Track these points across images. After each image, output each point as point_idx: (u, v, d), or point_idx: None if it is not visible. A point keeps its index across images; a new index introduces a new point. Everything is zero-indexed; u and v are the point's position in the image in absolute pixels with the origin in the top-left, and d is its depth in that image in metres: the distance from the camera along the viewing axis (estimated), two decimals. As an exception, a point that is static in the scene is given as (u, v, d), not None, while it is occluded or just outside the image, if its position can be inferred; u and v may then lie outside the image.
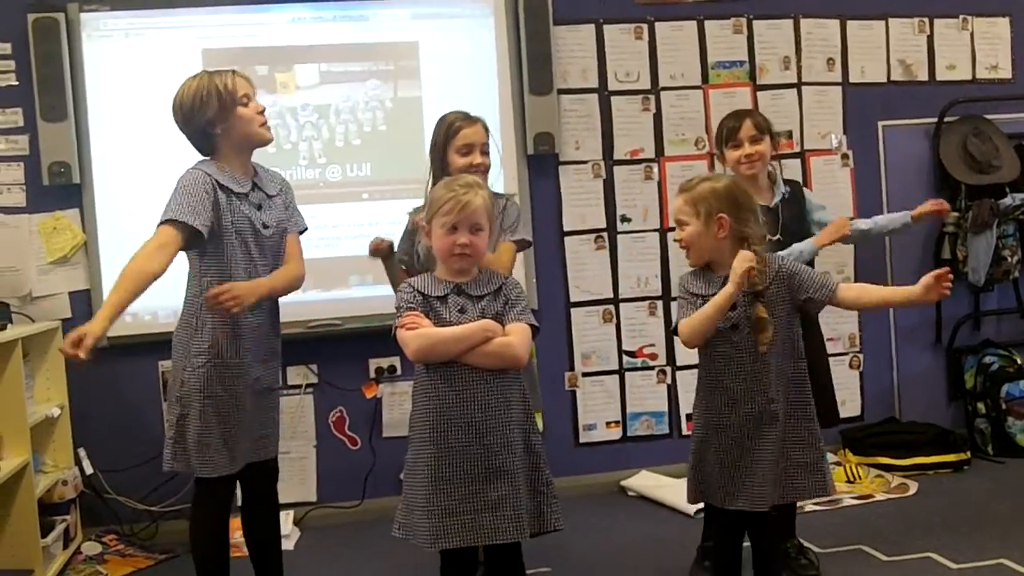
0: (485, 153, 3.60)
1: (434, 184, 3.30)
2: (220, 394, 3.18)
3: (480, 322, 2.77)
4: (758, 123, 3.80)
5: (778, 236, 3.64)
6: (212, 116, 3.21)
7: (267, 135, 3.34)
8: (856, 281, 5.42)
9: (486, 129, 3.64)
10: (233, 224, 3.21)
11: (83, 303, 4.71)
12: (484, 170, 3.58)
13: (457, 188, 2.81)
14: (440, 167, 3.57)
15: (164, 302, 4.70)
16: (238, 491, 3.47)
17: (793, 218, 3.82)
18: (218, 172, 3.22)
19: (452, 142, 3.56)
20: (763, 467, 2.95)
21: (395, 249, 3.62)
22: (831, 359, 5.26)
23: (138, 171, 4.70)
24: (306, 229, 3.54)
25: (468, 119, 3.61)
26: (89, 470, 4.59)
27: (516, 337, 2.78)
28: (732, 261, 2.90)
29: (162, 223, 3.15)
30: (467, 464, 2.73)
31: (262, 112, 3.32)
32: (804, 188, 4.04)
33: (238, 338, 3.22)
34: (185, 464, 3.22)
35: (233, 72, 3.29)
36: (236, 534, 4.58)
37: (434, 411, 2.74)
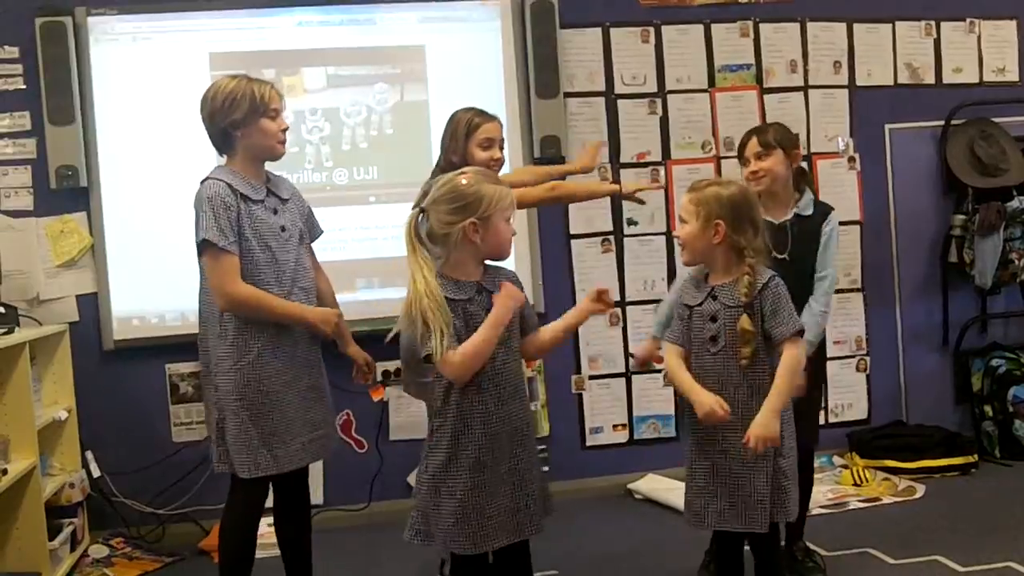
0: (502, 148, 3.69)
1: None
2: (254, 396, 3.19)
3: (503, 302, 2.74)
4: (764, 139, 3.67)
5: (785, 255, 3.53)
6: (238, 119, 3.24)
7: (281, 151, 3.37)
8: (863, 286, 5.42)
9: (501, 126, 3.74)
10: (254, 230, 3.23)
11: (90, 306, 4.72)
12: (500, 165, 3.67)
13: (496, 180, 2.81)
14: (460, 160, 3.59)
15: (171, 305, 4.74)
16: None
17: (804, 241, 3.62)
18: (235, 179, 3.25)
19: (474, 136, 3.62)
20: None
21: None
22: (839, 362, 5.33)
23: (145, 174, 4.72)
24: (322, 232, 3.59)
25: (485, 115, 3.68)
26: (96, 473, 4.60)
27: None
28: (724, 267, 2.92)
29: (201, 243, 3.19)
30: (498, 466, 2.73)
31: (284, 130, 3.36)
32: (830, 220, 3.68)
33: (273, 340, 3.24)
34: (229, 465, 3.26)
35: (271, 85, 3.34)
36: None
37: (465, 418, 2.72)
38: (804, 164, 5.17)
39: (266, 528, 4.60)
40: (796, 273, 3.32)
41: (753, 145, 3.68)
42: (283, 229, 3.32)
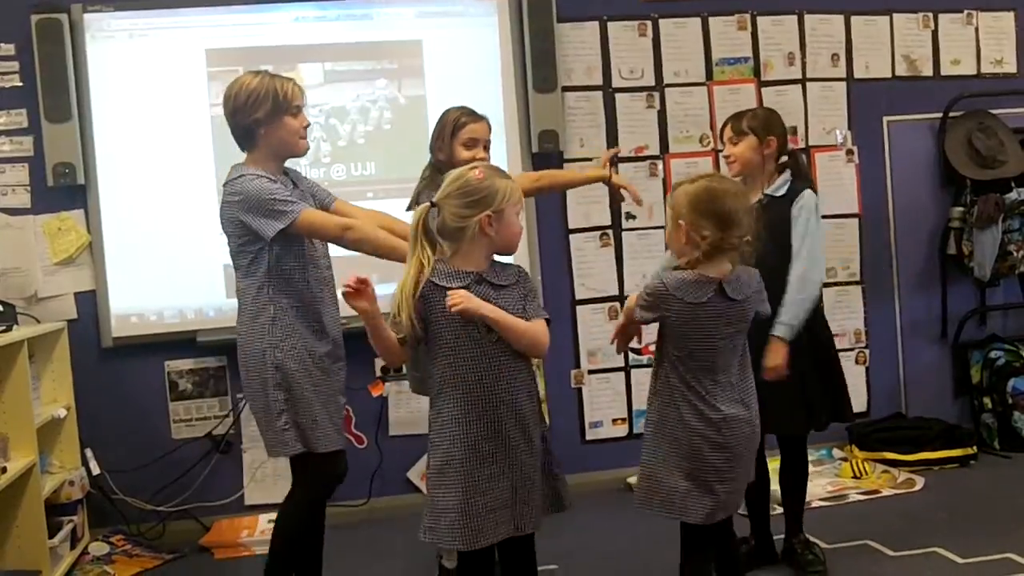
0: (487, 149, 3.71)
1: (433, 175, 3.52)
2: (316, 373, 3.25)
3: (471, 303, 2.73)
4: (737, 126, 3.70)
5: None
6: (261, 116, 3.25)
7: (303, 148, 3.39)
8: (862, 279, 5.42)
9: (490, 127, 3.76)
10: None
11: (89, 304, 4.72)
12: None
13: (505, 175, 2.81)
14: (446, 158, 3.65)
15: (169, 302, 4.74)
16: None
17: (774, 223, 3.47)
18: (264, 173, 3.27)
19: (458, 135, 3.67)
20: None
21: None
22: (838, 354, 5.31)
23: (143, 171, 4.72)
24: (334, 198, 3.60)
25: (474, 115, 3.73)
26: (96, 470, 4.60)
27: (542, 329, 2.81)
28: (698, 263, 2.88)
29: (296, 220, 3.17)
30: (497, 461, 2.72)
31: (306, 127, 3.37)
32: (801, 199, 3.64)
33: (317, 323, 3.29)
34: (303, 443, 3.25)
35: (294, 81, 3.35)
36: (243, 533, 4.61)
37: (462, 412, 2.71)
38: (799, 151, 5.25)
39: (266, 525, 4.62)
40: (769, 255, 3.20)
41: (727, 131, 3.74)
42: None
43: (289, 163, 3.42)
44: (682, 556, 3.03)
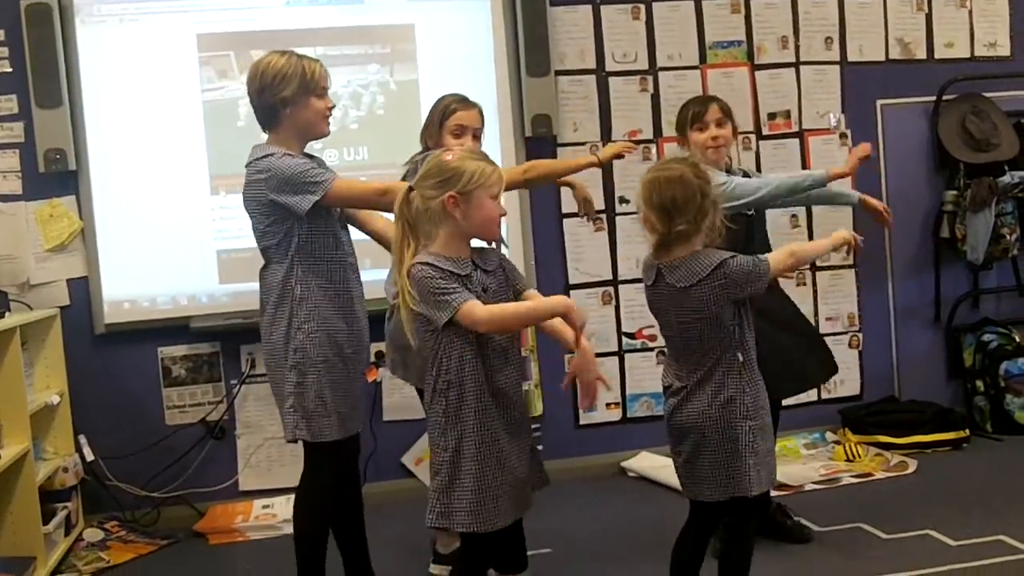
0: (477, 138, 3.71)
1: (422, 161, 3.40)
2: (334, 359, 3.23)
3: (560, 300, 2.82)
4: (724, 107, 3.84)
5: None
6: (288, 95, 3.23)
7: (326, 129, 3.38)
8: (855, 263, 5.42)
9: (482, 115, 3.76)
10: None
11: (81, 290, 4.71)
12: None
13: (486, 160, 2.81)
14: (434, 145, 3.66)
15: (162, 288, 4.73)
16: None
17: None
18: (290, 152, 3.27)
19: (446, 123, 3.67)
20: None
21: None
22: (831, 338, 5.34)
23: (134, 157, 4.70)
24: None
25: (465, 103, 3.72)
26: (90, 457, 4.59)
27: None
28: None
29: (329, 190, 3.16)
30: (508, 443, 2.76)
31: (331, 108, 3.37)
32: (744, 173, 3.91)
33: (344, 305, 3.28)
34: (306, 431, 3.24)
35: (320, 63, 3.35)
36: (238, 519, 4.61)
37: (478, 398, 2.72)
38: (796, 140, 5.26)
39: (261, 511, 4.63)
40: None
41: (715, 111, 3.81)
42: None
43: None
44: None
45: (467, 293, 2.66)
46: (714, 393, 2.87)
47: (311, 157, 3.37)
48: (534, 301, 2.80)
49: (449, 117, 3.67)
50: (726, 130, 3.80)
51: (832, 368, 4.07)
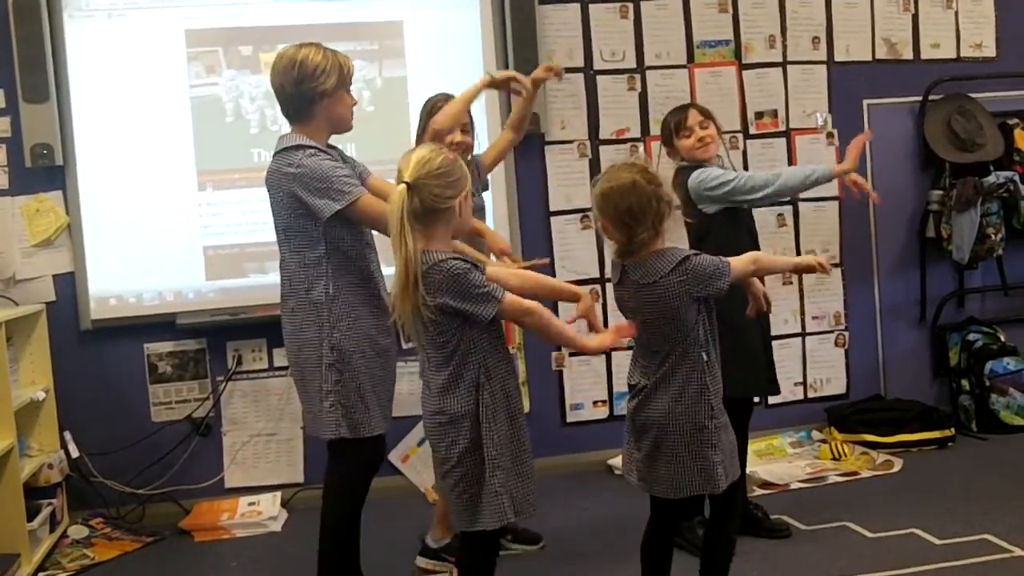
0: (466, 132, 3.78)
1: None
2: (371, 353, 3.27)
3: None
4: (702, 110, 3.96)
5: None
6: (327, 88, 3.27)
7: (352, 124, 3.43)
8: (841, 262, 5.44)
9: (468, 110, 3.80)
10: None
11: (67, 285, 4.69)
12: (465, 148, 3.78)
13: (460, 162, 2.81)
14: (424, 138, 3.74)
15: (148, 284, 4.72)
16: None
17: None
18: (324, 147, 3.29)
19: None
20: None
21: None
22: (817, 337, 5.37)
23: (121, 152, 4.68)
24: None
25: (451, 99, 3.77)
26: (75, 453, 4.57)
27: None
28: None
29: (353, 203, 3.16)
30: (525, 437, 2.82)
31: (354, 104, 3.42)
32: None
33: (375, 299, 3.30)
34: (348, 428, 3.26)
35: (350, 59, 3.39)
36: (224, 516, 4.60)
37: (503, 393, 2.76)
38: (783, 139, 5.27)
39: (247, 508, 4.62)
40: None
41: (695, 115, 3.93)
42: None
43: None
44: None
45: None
46: (679, 391, 2.88)
47: (333, 147, 3.39)
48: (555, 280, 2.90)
49: (437, 114, 3.73)
50: (710, 130, 3.91)
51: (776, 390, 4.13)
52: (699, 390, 2.88)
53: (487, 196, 4.20)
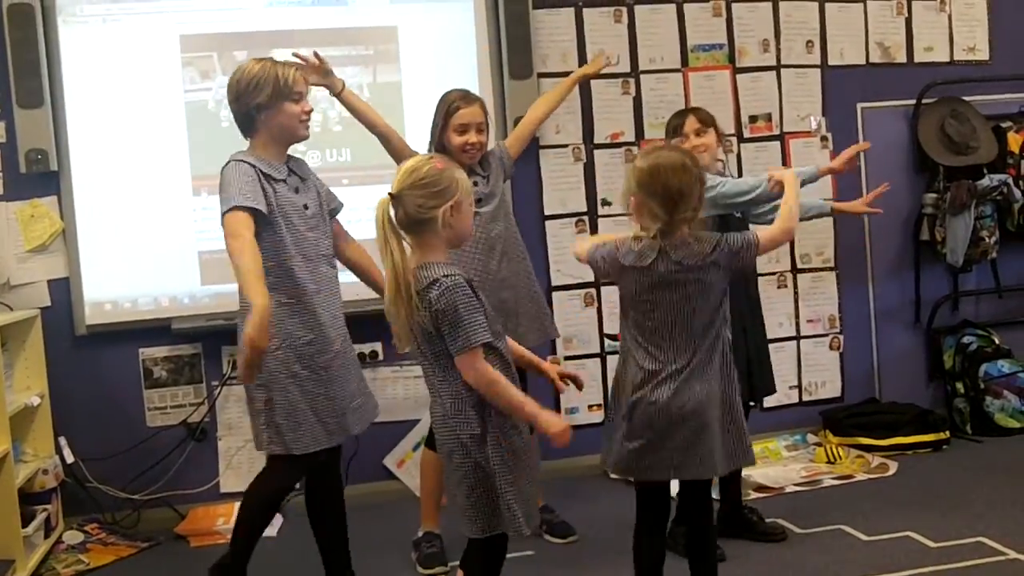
0: (480, 132, 3.86)
1: None
2: (301, 372, 3.28)
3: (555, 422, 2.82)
4: (701, 117, 3.97)
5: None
6: (262, 102, 3.32)
7: (304, 133, 3.47)
8: (836, 265, 5.45)
9: (484, 109, 3.91)
10: (279, 207, 3.31)
11: (62, 291, 4.68)
12: (479, 148, 3.88)
13: (456, 166, 2.80)
14: (439, 145, 3.84)
15: (143, 289, 4.71)
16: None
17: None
18: (257, 161, 3.33)
19: (451, 121, 3.83)
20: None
21: None
22: (812, 340, 5.39)
23: (116, 158, 4.68)
24: (342, 206, 3.71)
25: (467, 99, 3.88)
26: (70, 459, 4.57)
27: None
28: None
29: (227, 212, 3.21)
30: (533, 447, 2.84)
31: (308, 112, 3.44)
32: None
33: (307, 315, 3.31)
34: (281, 445, 3.30)
35: (297, 68, 3.43)
36: (219, 521, 4.60)
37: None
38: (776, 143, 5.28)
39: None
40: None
41: (692, 122, 3.95)
42: (306, 207, 3.40)
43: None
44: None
45: (486, 329, 2.64)
46: (717, 369, 2.94)
47: (291, 162, 3.44)
48: (531, 402, 2.74)
49: (453, 115, 3.83)
50: (705, 138, 3.92)
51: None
52: (730, 366, 2.97)
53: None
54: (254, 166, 3.30)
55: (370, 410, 3.58)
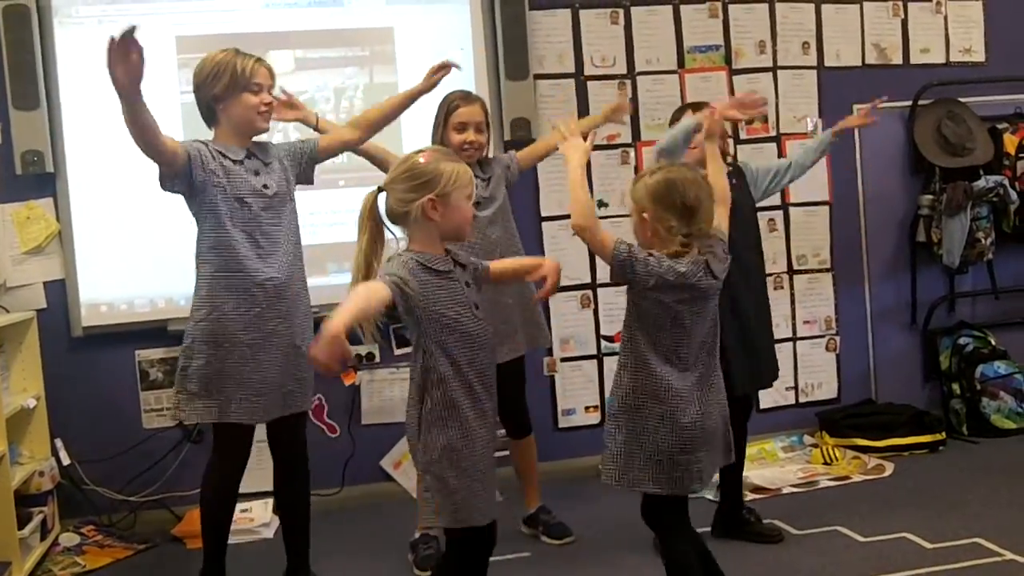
0: (480, 131, 3.91)
1: None
2: (224, 345, 3.30)
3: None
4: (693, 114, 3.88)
5: None
6: (219, 92, 3.35)
7: (263, 125, 3.46)
8: (832, 266, 5.45)
9: (484, 109, 3.96)
10: (231, 184, 3.33)
11: (58, 293, 4.68)
12: (478, 147, 3.92)
13: (457, 161, 2.81)
14: (439, 142, 3.88)
15: (139, 291, 4.71)
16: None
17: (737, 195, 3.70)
18: (212, 143, 3.38)
19: (450, 120, 3.89)
20: None
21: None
22: (808, 341, 5.39)
23: (112, 159, 4.66)
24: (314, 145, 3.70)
25: (466, 98, 3.95)
26: (66, 461, 4.56)
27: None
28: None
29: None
30: (490, 441, 2.80)
31: (268, 104, 3.44)
32: (746, 165, 4.09)
33: (241, 291, 3.33)
34: (193, 412, 3.35)
35: (258, 59, 3.42)
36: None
37: (467, 394, 2.72)
38: (773, 144, 5.29)
39: (238, 514, 4.59)
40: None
41: (690, 116, 3.83)
42: (266, 187, 3.41)
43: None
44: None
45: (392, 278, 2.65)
46: (722, 388, 3.00)
47: (253, 147, 3.46)
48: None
49: (452, 114, 3.89)
50: (697, 136, 3.79)
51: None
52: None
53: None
54: (206, 143, 3.36)
55: (298, 398, 3.52)
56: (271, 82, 3.45)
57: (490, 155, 4.15)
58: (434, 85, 3.90)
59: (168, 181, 3.34)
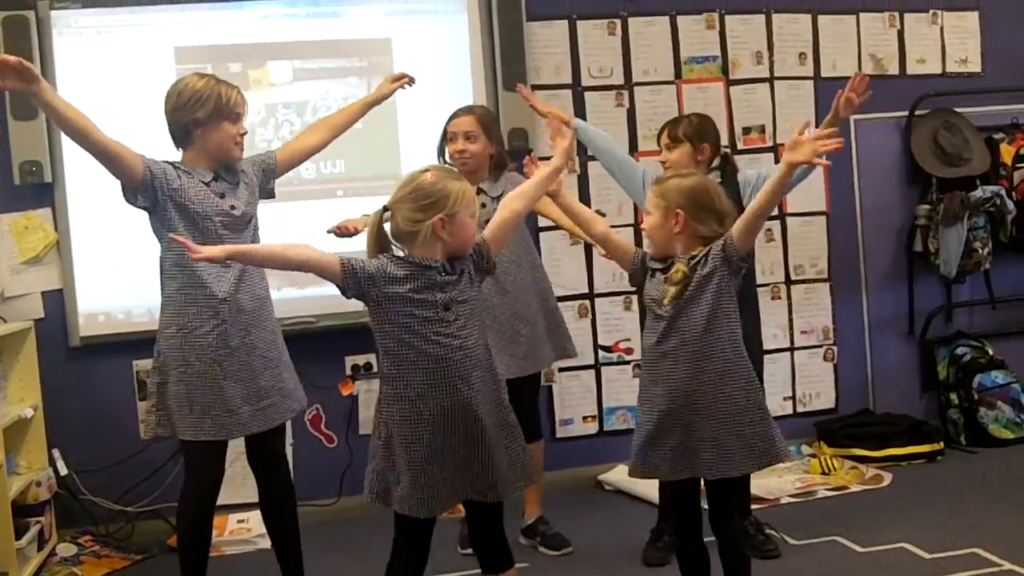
0: (470, 140, 3.97)
1: None
2: (194, 363, 3.27)
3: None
4: (673, 132, 3.89)
5: None
6: (200, 117, 3.34)
7: (238, 154, 3.46)
8: (830, 276, 5.46)
9: (480, 119, 4.01)
10: (194, 200, 3.32)
11: (56, 303, 4.68)
12: (470, 156, 3.98)
13: (460, 178, 2.84)
14: (441, 154, 4.05)
15: (137, 301, 4.71)
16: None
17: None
18: (181, 165, 3.39)
19: (446, 131, 4.03)
20: None
21: None
22: (806, 351, 5.39)
23: (110, 170, 4.68)
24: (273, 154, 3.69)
25: (463, 110, 4.07)
26: (63, 471, 4.56)
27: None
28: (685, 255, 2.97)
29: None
30: (451, 436, 2.78)
31: (243, 135, 3.45)
32: (737, 175, 3.99)
33: (206, 308, 3.30)
34: (168, 428, 3.33)
35: (238, 90, 3.43)
36: (213, 533, 4.57)
37: (412, 389, 2.75)
38: (770, 154, 5.29)
39: (235, 525, 4.60)
40: None
41: (664, 137, 3.93)
42: (232, 208, 3.39)
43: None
44: None
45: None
46: None
47: (225, 166, 3.45)
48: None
49: (447, 125, 4.05)
50: (672, 154, 3.86)
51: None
52: None
53: None
54: (174, 164, 3.37)
55: (282, 411, 3.49)
56: (246, 112, 3.48)
57: (507, 171, 4.14)
58: (388, 94, 3.93)
59: (130, 194, 3.36)
